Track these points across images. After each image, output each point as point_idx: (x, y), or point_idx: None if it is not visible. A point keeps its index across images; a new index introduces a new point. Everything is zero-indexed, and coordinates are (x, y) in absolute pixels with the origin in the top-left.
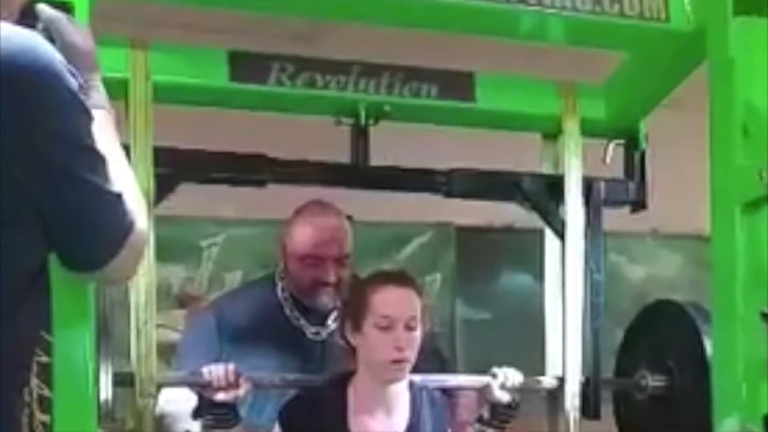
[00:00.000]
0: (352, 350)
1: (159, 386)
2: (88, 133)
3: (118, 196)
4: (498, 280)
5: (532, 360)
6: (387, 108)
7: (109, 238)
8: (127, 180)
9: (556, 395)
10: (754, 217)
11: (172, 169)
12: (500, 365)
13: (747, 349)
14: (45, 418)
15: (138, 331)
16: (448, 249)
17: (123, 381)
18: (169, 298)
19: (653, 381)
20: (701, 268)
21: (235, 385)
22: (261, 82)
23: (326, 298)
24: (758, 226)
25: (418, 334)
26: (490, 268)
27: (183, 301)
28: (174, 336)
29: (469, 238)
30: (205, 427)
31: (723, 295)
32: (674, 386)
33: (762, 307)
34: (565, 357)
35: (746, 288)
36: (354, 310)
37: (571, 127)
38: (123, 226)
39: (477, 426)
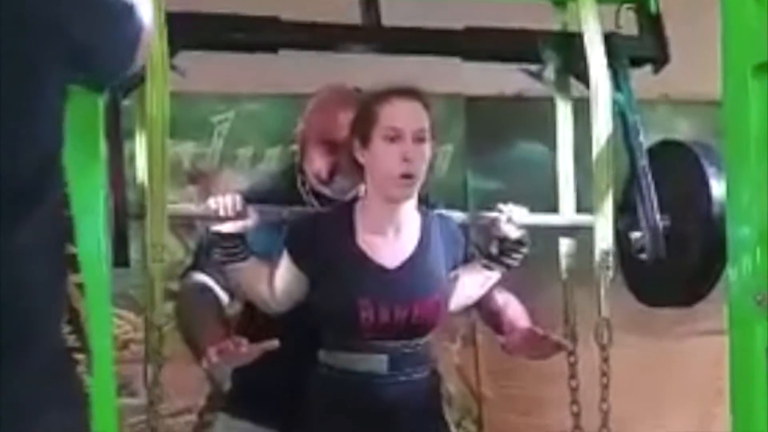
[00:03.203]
0: (361, 170)
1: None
2: None
3: (132, 6)
4: (509, 149)
5: (545, 229)
6: None
7: (131, 47)
8: None
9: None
10: (766, 80)
11: (178, 32)
12: None
13: (761, 214)
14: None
15: (152, 207)
16: (458, 119)
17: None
18: (180, 174)
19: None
20: (714, 133)
21: (243, 215)
22: None
23: (346, 183)
24: None
25: (427, 148)
26: (500, 138)
27: (194, 177)
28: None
29: (479, 108)
30: (215, 262)
31: (736, 161)
32: (678, 225)
33: None
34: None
35: (759, 152)
36: (362, 125)
37: None
38: (139, 30)
39: (484, 261)
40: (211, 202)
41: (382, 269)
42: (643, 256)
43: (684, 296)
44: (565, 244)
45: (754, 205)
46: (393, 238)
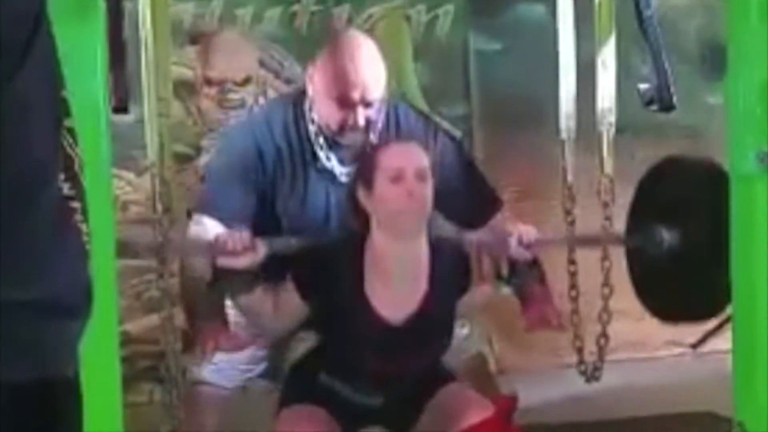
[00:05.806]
0: (365, 217)
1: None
2: None
3: None
4: (510, 10)
5: (545, 90)
6: None
7: None
8: None
9: None
10: None
11: None
12: (514, 96)
13: (762, 71)
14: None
15: (155, 68)
16: None
17: None
18: (181, 34)
19: (669, 236)
20: None
21: (251, 248)
22: None
23: (354, 136)
24: None
25: (429, 187)
26: None
27: (194, 37)
28: (187, 73)
29: None
30: (225, 293)
31: (737, 16)
32: (690, 241)
33: None
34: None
35: (760, 18)
36: (364, 172)
37: None
38: None
39: (495, 283)
40: (219, 239)
41: (388, 326)
42: (653, 107)
43: None
44: (564, 105)
45: (755, 61)
46: (399, 286)
